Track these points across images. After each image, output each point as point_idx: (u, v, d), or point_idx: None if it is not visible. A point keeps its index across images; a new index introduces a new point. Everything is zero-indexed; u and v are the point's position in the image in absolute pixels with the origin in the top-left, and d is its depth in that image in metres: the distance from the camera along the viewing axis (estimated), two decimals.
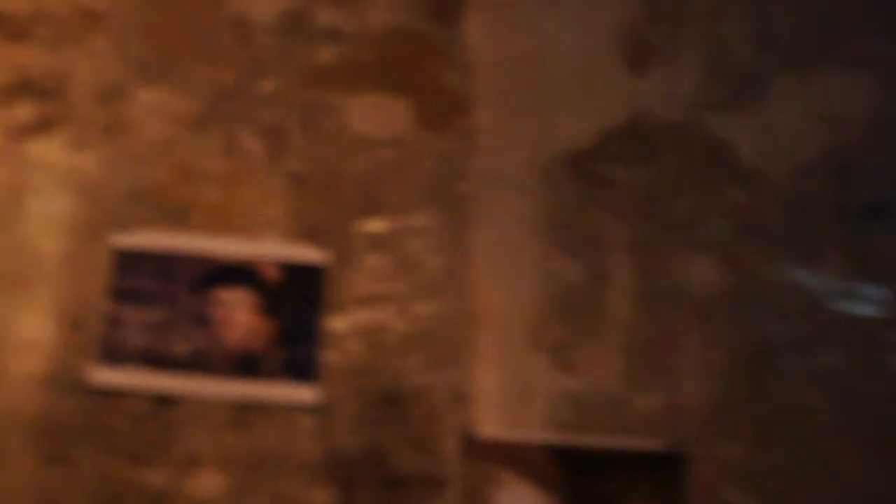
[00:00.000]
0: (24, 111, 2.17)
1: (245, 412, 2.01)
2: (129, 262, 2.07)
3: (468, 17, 2.23)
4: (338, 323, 2.04)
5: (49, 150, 2.15)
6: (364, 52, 2.17)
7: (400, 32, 2.19)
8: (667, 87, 2.20)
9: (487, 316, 2.07)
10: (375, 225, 2.09)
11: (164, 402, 2.01)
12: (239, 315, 2.05)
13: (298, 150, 2.10)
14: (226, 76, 2.15)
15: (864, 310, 2.09)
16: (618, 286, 2.10)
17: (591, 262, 2.11)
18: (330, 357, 2.02)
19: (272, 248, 2.06)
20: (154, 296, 2.06)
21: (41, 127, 2.16)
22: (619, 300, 2.09)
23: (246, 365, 2.03)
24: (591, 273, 2.11)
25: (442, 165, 2.12)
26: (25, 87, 2.19)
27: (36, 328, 2.07)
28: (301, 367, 2.03)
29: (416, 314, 2.05)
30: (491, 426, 2.01)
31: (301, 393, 2.02)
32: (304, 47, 2.17)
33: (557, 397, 2.03)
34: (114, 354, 2.05)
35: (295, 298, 2.05)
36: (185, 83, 2.15)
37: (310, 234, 2.07)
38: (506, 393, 2.04)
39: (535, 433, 2.01)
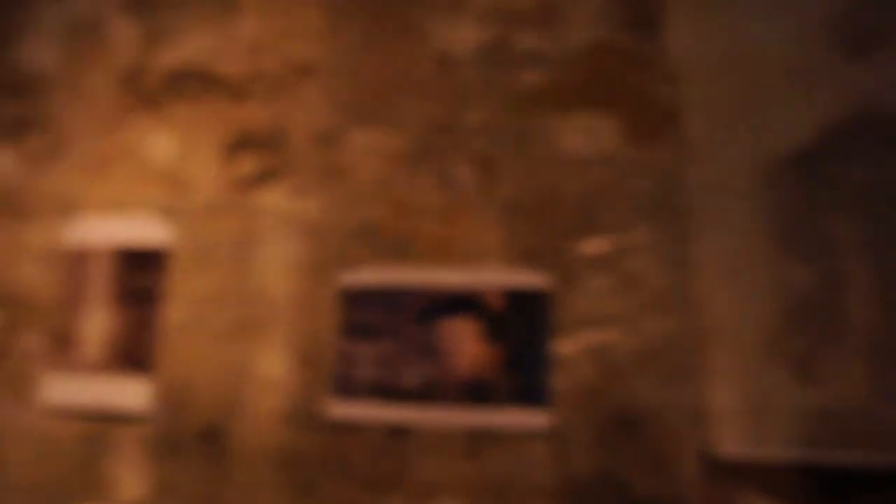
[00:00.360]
0: (248, 164, 2.59)
1: (477, 439, 2.26)
2: (356, 298, 2.41)
3: (668, 24, 2.41)
4: (565, 346, 2.26)
5: (274, 199, 2.54)
6: (568, 72, 2.41)
7: (601, 48, 2.41)
8: (894, 72, 2.28)
9: (719, 330, 2.22)
10: (595, 245, 2.30)
11: (398, 432, 2.31)
12: (465, 344, 2.32)
13: (511, 177, 2.36)
14: (434, 111, 2.46)
15: None
16: (857, 289, 2.18)
17: (826, 265, 2.20)
18: (559, 381, 2.24)
19: (493, 276, 2.33)
20: (382, 329, 2.37)
21: (265, 177, 2.56)
22: (859, 304, 2.17)
23: (475, 393, 2.29)
24: (826, 277, 2.20)
25: (657, 179, 2.31)
26: (247, 142, 2.60)
27: (274, 367, 2.44)
28: (531, 393, 2.26)
29: (645, 332, 2.23)
30: (731, 444, 2.12)
31: (532, 418, 2.25)
32: (508, 74, 2.43)
33: (801, 411, 2.12)
34: (347, 388, 2.38)
35: (520, 324, 2.29)
36: (396, 122, 2.48)
37: (529, 258, 2.31)
38: (745, 409, 2.15)
39: (780, 450, 2.09)
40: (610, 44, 2.39)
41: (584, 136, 2.34)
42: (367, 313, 2.38)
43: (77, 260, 2.76)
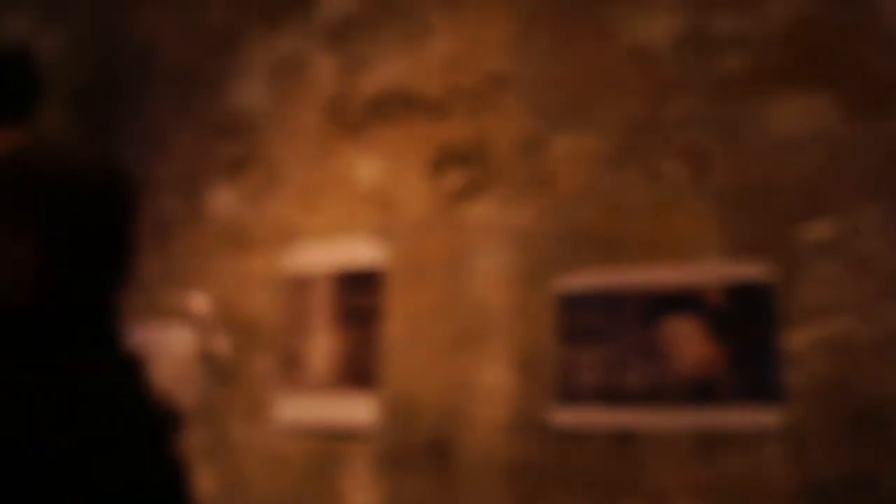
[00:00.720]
0: (454, 179, 2.90)
1: (708, 441, 2.40)
2: (573, 303, 2.64)
3: None
4: (796, 339, 2.36)
5: (482, 211, 2.83)
6: (773, 51, 2.52)
7: (806, 24, 2.50)
8: None
9: None
10: (819, 229, 2.40)
11: (625, 437, 2.50)
12: (689, 343, 2.48)
13: (723, 166, 2.51)
14: (636, 107, 2.66)
15: None
16: None
17: None
18: (792, 376, 2.34)
19: (712, 271, 2.48)
20: (601, 333, 2.58)
21: (472, 191, 2.86)
22: None
23: (702, 393, 2.44)
24: None
25: (884, 154, 2.37)
26: (452, 158, 2.92)
27: (496, 377, 2.71)
28: (762, 390, 2.38)
29: (884, 319, 2.28)
30: None
31: (765, 417, 2.36)
32: (709, 61, 2.59)
33: None
34: (570, 395, 2.60)
35: (745, 319, 2.42)
36: (598, 123, 2.70)
37: (749, 250, 2.44)
38: None
39: None
40: (815, 18, 2.49)
41: (798, 116, 2.45)
42: (585, 318, 2.59)
43: (299, 285, 3.19)
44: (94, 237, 1.07)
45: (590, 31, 2.74)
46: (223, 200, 3.51)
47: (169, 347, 3.40)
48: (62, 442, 0.87)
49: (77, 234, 1.06)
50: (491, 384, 2.66)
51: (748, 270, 2.40)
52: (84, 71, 4.31)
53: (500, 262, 2.72)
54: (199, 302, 3.42)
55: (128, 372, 1.05)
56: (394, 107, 3.05)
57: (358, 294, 3.00)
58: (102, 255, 1.09)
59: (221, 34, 3.75)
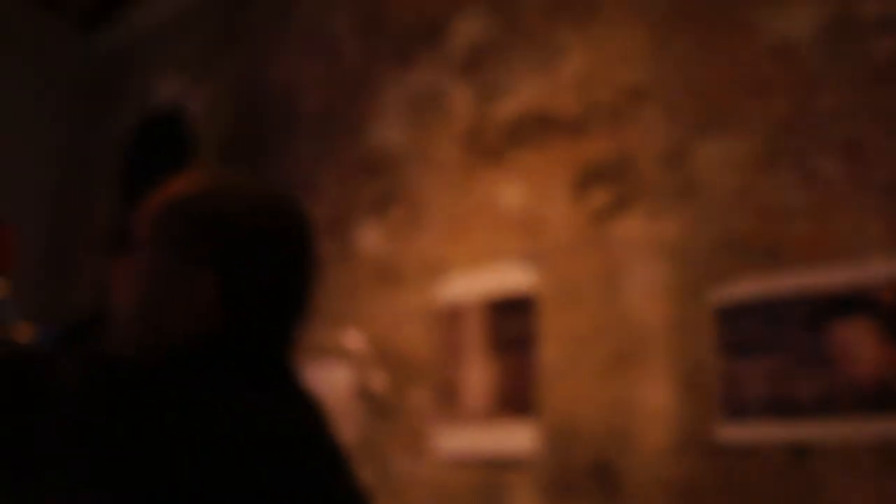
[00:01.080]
0: (599, 197, 2.98)
1: (893, 453, 2.35)
2: (733, 314, 2.64)
3: None
4: None
5: (631, 226, 2.89)
6: None
7: None
8: None
9: None
10: None
11: (799, 451, 2.47)
12: (862, 348, 2.44)
13: (883, 158, 2.46)
14: (784, 105, 2.65)
15: None
16: None
17: None
18: None
19: (881, 270, 2.43)
20: (766, 343, 2.57)
21: (618, 207, 2.92)
22: None
23: (882, 400, 2.38)
24: None
25: None
26: (595, 176, 3.00)
27: (657, 395, 2.74)
28: None
29: None
30: None
31: None
32: (857, 49, 2.55)
33: None
34: (737, 410, 2.60)
35: None
36: (744, 125, 2.71)
37: None
38: None
39: None
40: None
41: None
42: (747, 328, 2.59)
43: (451, 316, 3.33)
44: (277, 273, 1.14)
45: (727, 33, 2.78)
46: (371, 238, 3.71)
47: (328, 385, 3.61)
48: (259, 476, 0.91)
49: (260, 271, 1.13)
50: (653, 403, 2.69)
51: None
52: (230, 123, 4.67)
53: (654, 277, 2.76)
54: (355, 339, 3.63)
55: (313, 407, 1.12)
56: (532, 130, 3.16)
57: (511, 321, 3.11)
58: (285, 290, 1.16)
59: (357, 77, 3.99)
